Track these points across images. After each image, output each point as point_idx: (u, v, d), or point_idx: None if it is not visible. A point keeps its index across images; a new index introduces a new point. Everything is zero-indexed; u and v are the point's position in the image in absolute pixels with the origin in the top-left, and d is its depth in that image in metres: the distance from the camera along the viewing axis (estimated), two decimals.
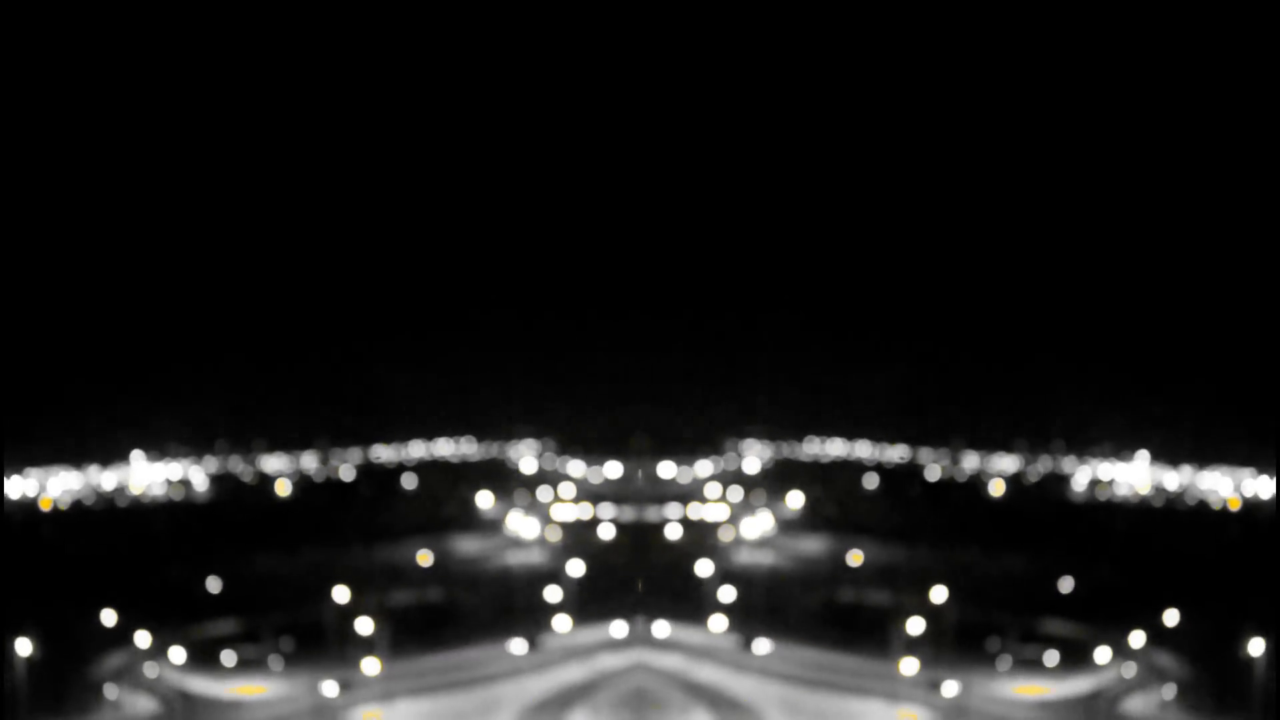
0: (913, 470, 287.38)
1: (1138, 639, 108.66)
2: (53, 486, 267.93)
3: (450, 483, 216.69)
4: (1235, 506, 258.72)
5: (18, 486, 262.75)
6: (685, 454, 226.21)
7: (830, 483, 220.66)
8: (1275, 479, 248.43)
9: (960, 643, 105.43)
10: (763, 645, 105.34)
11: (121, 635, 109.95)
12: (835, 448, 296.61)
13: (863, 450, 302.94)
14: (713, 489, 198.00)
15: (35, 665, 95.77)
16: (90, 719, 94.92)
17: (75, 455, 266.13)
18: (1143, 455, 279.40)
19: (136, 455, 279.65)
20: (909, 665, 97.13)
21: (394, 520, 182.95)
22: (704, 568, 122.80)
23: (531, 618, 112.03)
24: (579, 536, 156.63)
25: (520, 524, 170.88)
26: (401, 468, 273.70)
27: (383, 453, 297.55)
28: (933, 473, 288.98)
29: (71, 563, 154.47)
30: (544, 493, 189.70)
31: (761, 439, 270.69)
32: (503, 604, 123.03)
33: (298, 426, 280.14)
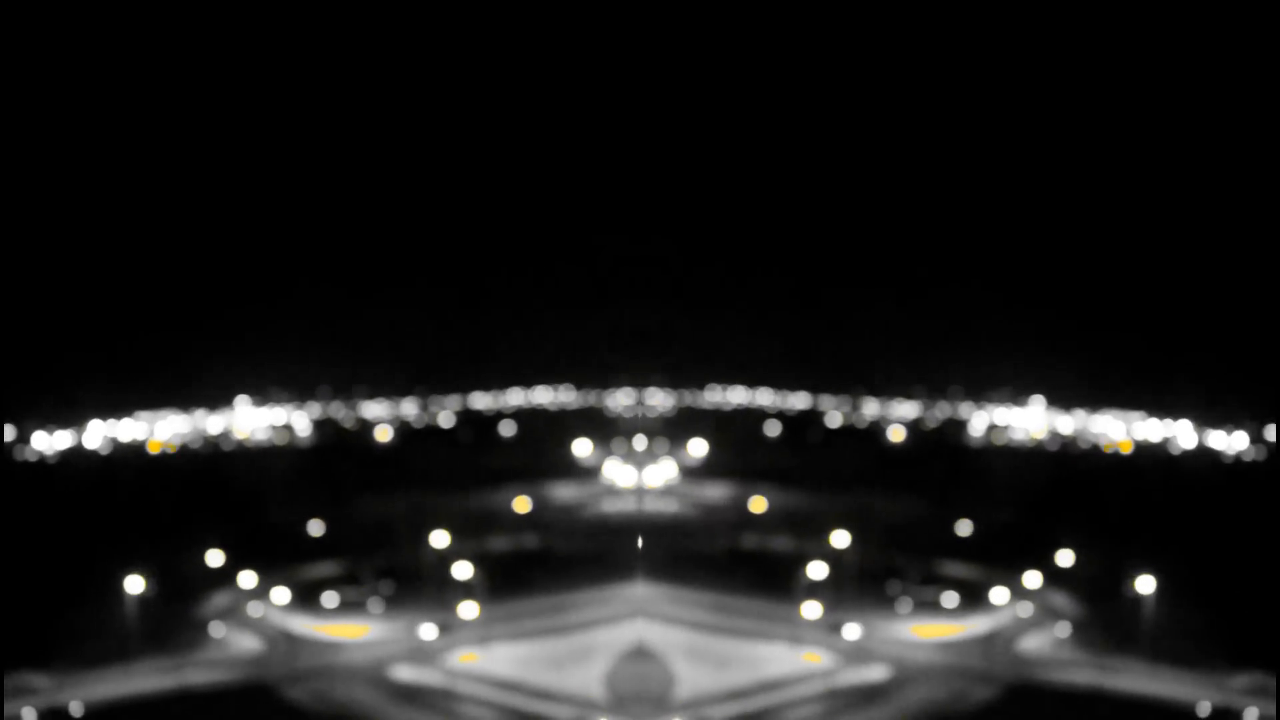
0: (814, 417, 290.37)
1: (1033, 579, 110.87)
2: (161, 430, 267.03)
3: (548, 430, 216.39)
4: (1126, 449, 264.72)
5: (128, 429, 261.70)
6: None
7: (732, 430, 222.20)
8: (1164, 422, 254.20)
9: (861, 586, 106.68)
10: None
11: (226, 576, 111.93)
12: (737, 395, 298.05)
13: (764, 398, 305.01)
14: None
15: (144, 603, 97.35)
16: (196, 656, 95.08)
17: (183, 400, 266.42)
18: (1038, 400, 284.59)
19: (242, 400, 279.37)
20: (811, 609, 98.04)
21: (492, 466, 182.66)
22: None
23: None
24: None
25: (617, 472, 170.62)
26: (500, 415, 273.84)
27: (482, 400, 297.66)
28: (833, 419, 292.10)
29: (179, 504, 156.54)
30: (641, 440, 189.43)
31: (663, 387, 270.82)
32: (598, 551, 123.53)
33: (398, 373, 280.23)
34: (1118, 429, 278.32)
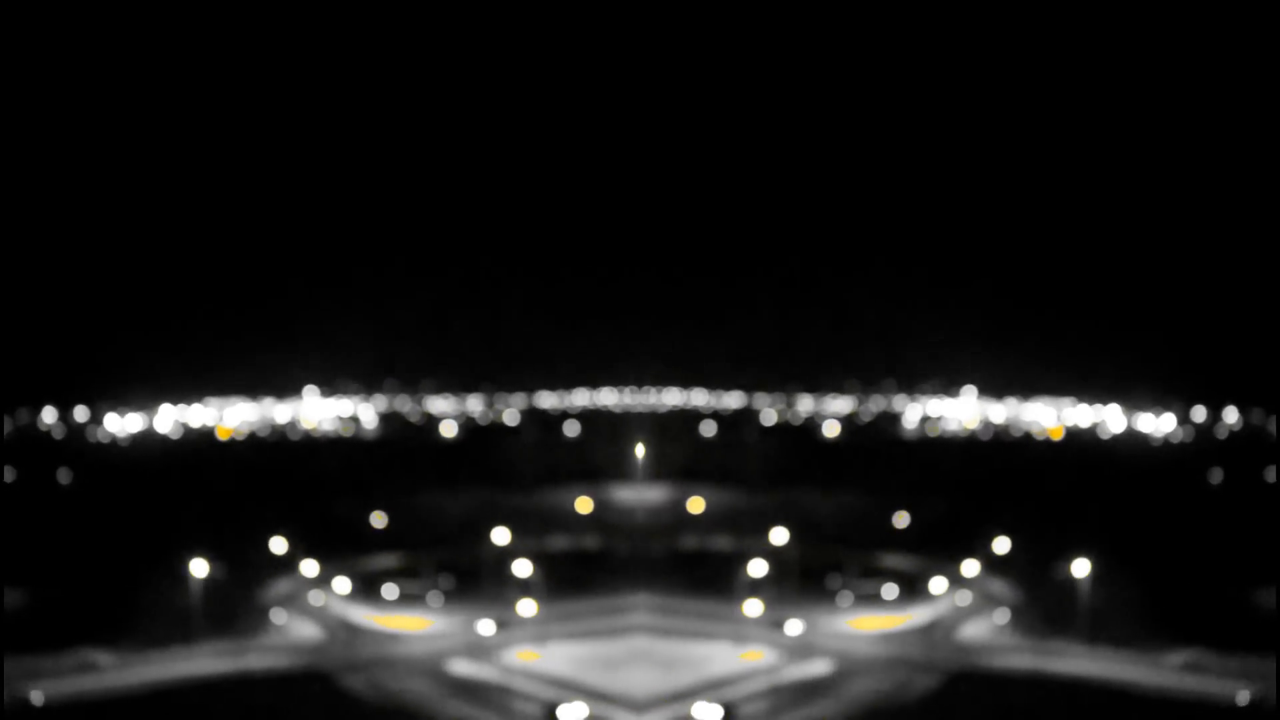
0: (749, 415, 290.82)
1: (971, 568, 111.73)
2: (230, 417, 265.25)
3: (613, 432, 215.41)
4: (1058, 436, 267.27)
5: (198, 415, 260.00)
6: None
7: (668, 432, 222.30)
8: (1093, 408, 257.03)
9: (802, 582, 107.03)
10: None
11: (289, 563, 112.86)
12: (671, 397, 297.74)
13: (699, 398, 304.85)
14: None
15: (208, 587, 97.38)
16: (257, 641, 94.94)
17: (252, 388, 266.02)
18: (969, 390, 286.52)
19: (310, 390, 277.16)
20: (753, 607, 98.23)
21: (555, 466, 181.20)
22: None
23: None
24: None
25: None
26: (565, 415, 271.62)
27: (547, 399, 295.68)
28: (768, 417, 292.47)
29: (245, 491, 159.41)
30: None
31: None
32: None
33: (465, 370, 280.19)
34: (1048, 416, 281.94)
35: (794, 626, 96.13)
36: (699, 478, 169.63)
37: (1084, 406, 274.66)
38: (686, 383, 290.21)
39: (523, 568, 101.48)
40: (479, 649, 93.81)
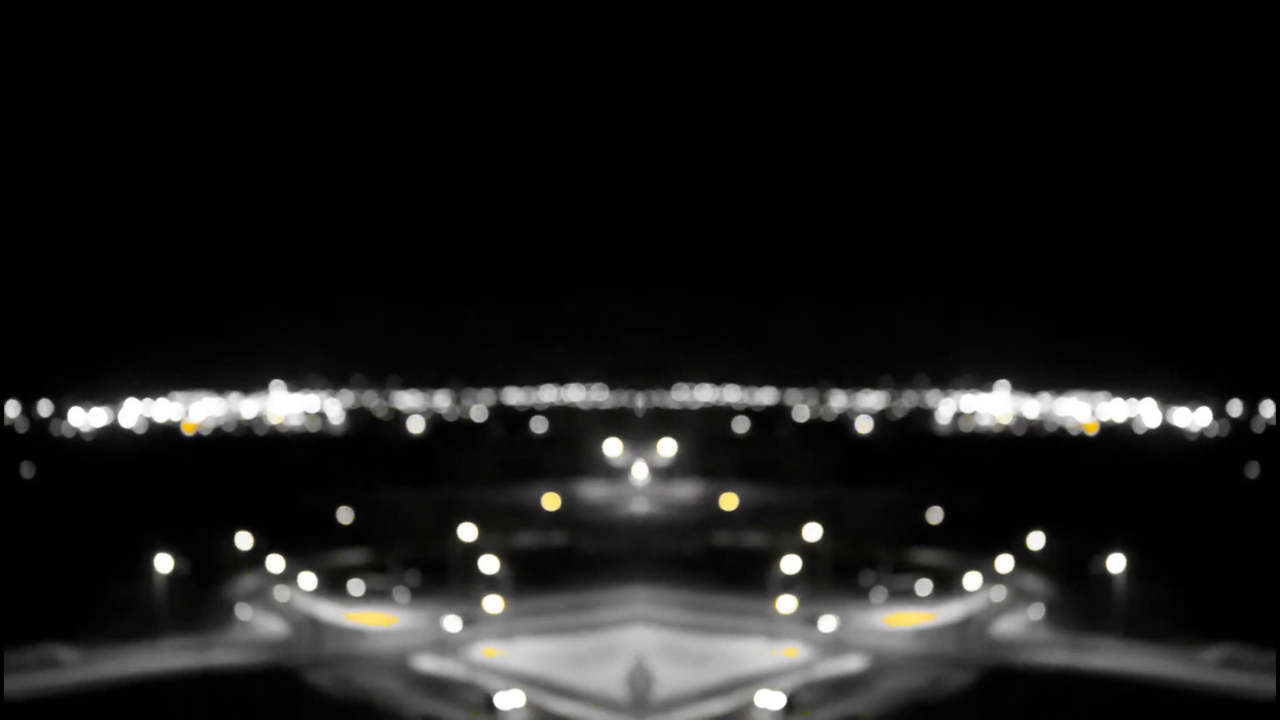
0: (781, 412, 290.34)
1: (1005, 563, 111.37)
2: (195, 411, 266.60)
3: (580, 428, 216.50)
4: (1092, 430, 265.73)
5: (163, 410, 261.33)
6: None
7: (701, 429, 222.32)
8: (1128, 402, 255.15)
9: (835, 578, 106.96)
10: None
11: (255, 559, 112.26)
12: (704, 394, 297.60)
13: (731, 395, 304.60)
14: None
15: (173, 582, 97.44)
16: (222, 637, 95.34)
17: (218, 382, 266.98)
18: (1003, 385, 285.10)
19: (276, 385, 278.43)
20: (786, 603, 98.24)
21: (522, 462, 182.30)
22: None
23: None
24: None
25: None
26: (532, 411, 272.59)
27: (514, 395, 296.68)
28: (801, 414, 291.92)
29: (210, 486, 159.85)
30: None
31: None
32: (625, 551, 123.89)
33: (432, 366, 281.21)
34: (1083, 411, 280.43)
35: (828, 623, 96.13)
36: (732, 474, 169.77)
37: (1119, 401, 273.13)
38: (720, 380, 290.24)
39: (490, 564, 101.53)
40: (445, 645, 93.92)
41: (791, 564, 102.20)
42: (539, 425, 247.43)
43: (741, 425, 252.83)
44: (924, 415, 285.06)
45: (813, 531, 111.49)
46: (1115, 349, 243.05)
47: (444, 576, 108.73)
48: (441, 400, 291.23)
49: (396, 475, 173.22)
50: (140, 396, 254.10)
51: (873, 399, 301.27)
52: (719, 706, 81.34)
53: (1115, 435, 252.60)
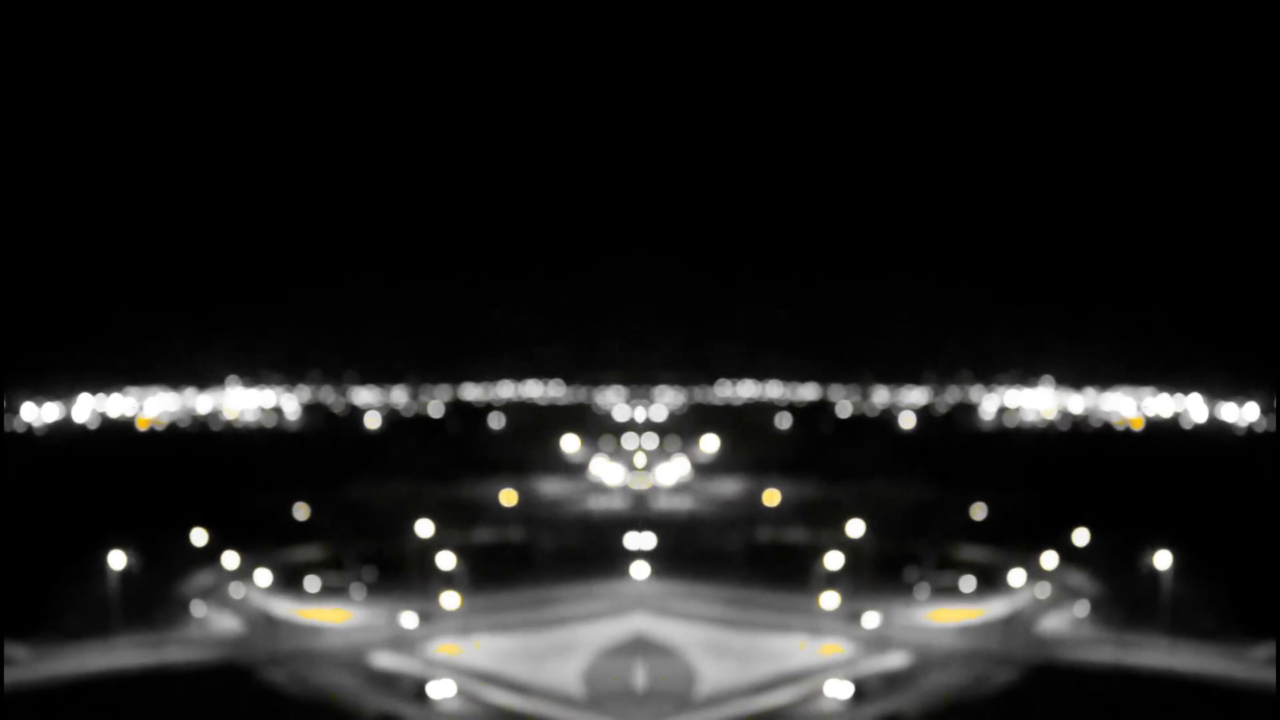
0: (824, 408, 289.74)
1: (1050, 560, 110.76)
2: (151, 407, 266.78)
3: (537, 424, 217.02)
4: (1138, 426, 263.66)
5: (117, 405, 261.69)
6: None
7: (743, 424, 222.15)
8: (1174, 397, 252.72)
9: (878, 574, 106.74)
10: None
11: (210, 555, 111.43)
12: (747, 389, 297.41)
13: (774, 390, 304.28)
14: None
15: (127, 578, 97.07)
16: (177, 634, 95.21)
17: (173, 377, 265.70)
18: (1047, 380, 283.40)
19: (232, 380, 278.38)
20: (829, 599, 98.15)
21: (480, 458, 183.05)
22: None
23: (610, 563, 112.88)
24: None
25: (604, 469, 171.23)
26: (490, 407, 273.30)
27: (472, 391, 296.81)
28: (844, 409, 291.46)
29: (165, 482, 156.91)
30: (630, 440, 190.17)
31: (673, 385, 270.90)
32: (583, 547, 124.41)
33: (390, 361, 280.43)
34: (1128, 405, 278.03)
35: (871, 619, 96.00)
36: (775, 470, 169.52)
37: (1165, 396, 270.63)
38: (761, 375, 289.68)
39: (447, 560, 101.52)
40: (402, 642, 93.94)
41: (834, 560, 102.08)
42: (496, 421, 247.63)
43: (784, 421, 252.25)
44: (967, 411, 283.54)
45: (856, 527, 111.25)
46: (1162, 343, 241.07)
47: (401, 573, 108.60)
48: (399, 396, 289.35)
49: (353, 471, 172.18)
50: (94, 391, 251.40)
51: (916, 394, 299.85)
52: (763, 703, 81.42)
53: (1161, 430, 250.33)
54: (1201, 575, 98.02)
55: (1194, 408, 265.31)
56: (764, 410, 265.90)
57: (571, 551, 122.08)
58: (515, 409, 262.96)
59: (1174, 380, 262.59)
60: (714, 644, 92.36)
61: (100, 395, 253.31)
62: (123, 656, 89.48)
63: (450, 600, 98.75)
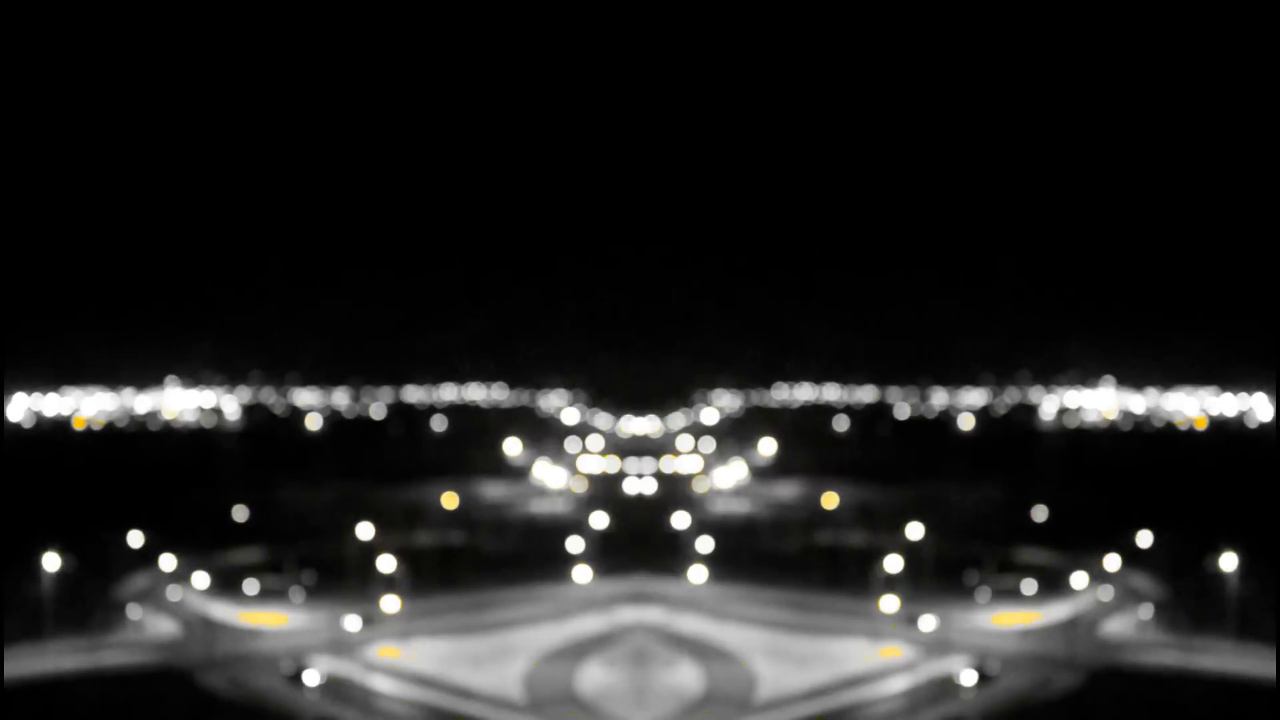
0: (882, 410, 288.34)
1: (1113, 562, 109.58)
2: (87, 406, 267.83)
3: (479, 427, 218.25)
4: (1201, 425, 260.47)
5: (54, 404, 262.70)
6: (655, 407, 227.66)
7: (801, 427, 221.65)
8: (1238, 396, 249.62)
9: (938, 577, 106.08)
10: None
11: (147, 557, 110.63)
12: (804, 392, 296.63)
13: (831, 393, 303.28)
14: (684, 441, 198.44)
15: (61, 581, 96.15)
16: (112, 638, 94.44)
17: (111, 377, 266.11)
18: (1108, 380, 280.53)
19: (171, 380, 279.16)
20: (889, 603, 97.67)
21: (421, 461, 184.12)
22: (680, 519, 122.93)
23: (552, 567, 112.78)
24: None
25: (547, 473, 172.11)
26: (432, 409, 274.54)
27: (414, 393, 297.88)
28: (902, 411, 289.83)
29: (101, 482, 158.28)
30: (573, 443, 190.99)
31: (730, 388, 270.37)
32: (524, 551, 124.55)
33: (331, 362, 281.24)
34: (1191, 405, 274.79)
35: (930, 622, 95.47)
36: (833, 473, 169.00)
37: (1229, 395, 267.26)
38: (819, 378, 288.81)
39: (387, 563, 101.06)
40: (341, 645, 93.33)
41: (894, 563, 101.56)
42: (439, 424, 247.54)
43: (842, 424, 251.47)
44: (1027, 412, 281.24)
45: (915, 530, 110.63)
46: (1224, 342, 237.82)
47: (340, 576, 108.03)
48: (340, 398, 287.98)
49: (293, 472, 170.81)
50: (29, 391, 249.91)
51: (975, 396, 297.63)
52: (822, 705, 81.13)
53: (1226, 430, 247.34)
54: (1268, 577, 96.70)
55: (1259, 407, 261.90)
56: (821, 413, 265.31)
57: (513, 555, 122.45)
58: (457, 411, 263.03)
59: (1238, 380, 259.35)
60: (773, 648, 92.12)
61: (36, 395, 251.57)
62: (57, 660, 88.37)
63: (391, 603, 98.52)
